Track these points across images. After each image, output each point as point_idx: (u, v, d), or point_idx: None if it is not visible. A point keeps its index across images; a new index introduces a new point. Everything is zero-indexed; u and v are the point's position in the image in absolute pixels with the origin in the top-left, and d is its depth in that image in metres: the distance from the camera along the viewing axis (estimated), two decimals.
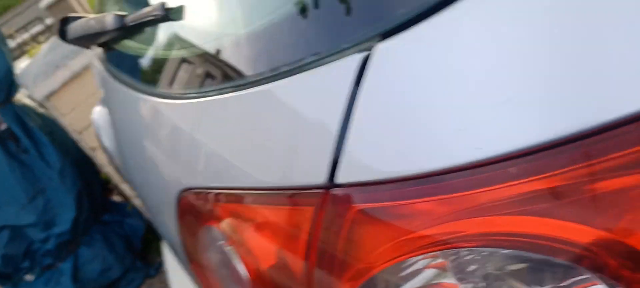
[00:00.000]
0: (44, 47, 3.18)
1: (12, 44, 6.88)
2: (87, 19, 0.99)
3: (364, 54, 0.46)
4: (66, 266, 2.46)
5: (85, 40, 1.04)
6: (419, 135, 0.43)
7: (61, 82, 2.35)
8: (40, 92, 2.38)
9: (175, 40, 0.79)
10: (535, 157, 0.38)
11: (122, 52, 1.02)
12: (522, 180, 0.38)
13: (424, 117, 0.43)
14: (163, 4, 0.73)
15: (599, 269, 0.37)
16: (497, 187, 0.40)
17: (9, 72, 2.31)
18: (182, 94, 0.73)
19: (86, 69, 2.32)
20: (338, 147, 0.48)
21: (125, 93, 0.96)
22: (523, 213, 0.39)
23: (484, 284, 0.42)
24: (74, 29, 1.04)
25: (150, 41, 0.88)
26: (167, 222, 0.86)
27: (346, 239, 0.49)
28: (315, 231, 0.51)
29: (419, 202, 0.44)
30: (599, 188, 0.36)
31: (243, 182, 0.62)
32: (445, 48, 0.42)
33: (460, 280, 0.43)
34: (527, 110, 0.38)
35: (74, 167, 2.51)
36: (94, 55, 1.31)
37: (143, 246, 2.68)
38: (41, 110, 2.56)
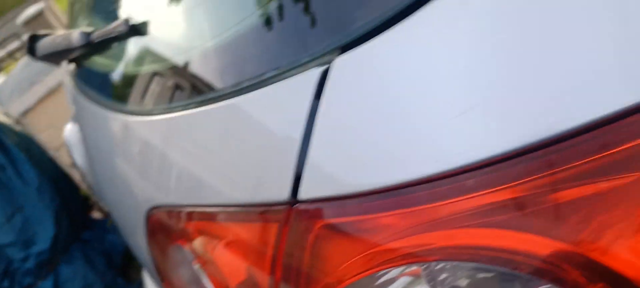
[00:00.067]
0: (20, 64, 3.14)
1: None
2: (55, 36, 0.98)
3: (324, 67, 0.46)
4: (46, 285, 2.42)
5: (53, 57, 1.03)
6: (379, 149, 0.43)
7: (37, 99, 2.32)
8: (16, 108, 2.35)
9: (142, 56, 0.78)
10: (493, 169, 0.38)
11: (91, 68, 1.01)
12: (480, 193, 0.38)
13: (382, 130, 0.43)
14: (127, 20, 0.72)
15: (560, 282, 0.37)
16: (456, 199, 0.39)
17: None
18: (148, 110, 0.72)
19: (62, 85, 2.30)
20: (300, 163, 0.47)
21: (95, 110, 0.95)
22: (483, 226, 0.39)
23: None
24: (42, 46, 1.03)
25: (117, 57, 0.86)
26: (138, 240, 0.85)
27: (312, 254, 0.48)
28: (280, 247, 0.51)
29: (383, 216, 0.44)
30: (557, 199, 0.36)
31: (211, 199, 0.62)
32: (402, 60, 0.42)
33: None
34: (485, 121, 0.38)
35: (52, 184, 2.48)
36: (64, 71, 1.30)
37: (124, 263, 2.65)
38: (17, 127, 2.52)
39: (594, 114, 0.35)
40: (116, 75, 0.88)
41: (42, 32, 1.08)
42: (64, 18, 4.48)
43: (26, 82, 2.38)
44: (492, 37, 0.38)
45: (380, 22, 0.43)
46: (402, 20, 0.42)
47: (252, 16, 0.56)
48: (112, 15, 0.89)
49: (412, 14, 0.41)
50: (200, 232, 0.64)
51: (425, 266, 0.43)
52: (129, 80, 0.81)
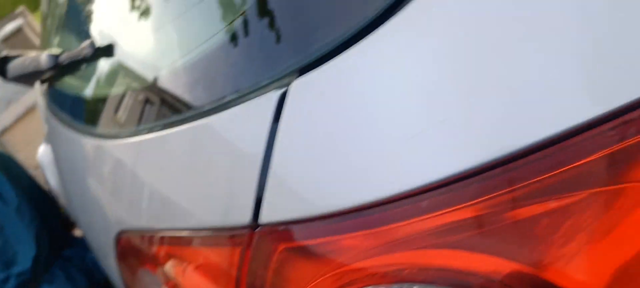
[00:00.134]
0: None
1: None
2: (24, 58, 0.97)
3: (282, 90, 0.46)
4: None
5: (24, 79, 1.02)
6: (338, 171, 0.43)
7: (15, 117, 2.29)
8: None
9: (108, 78, 0.78)
10: (447, 189, 0.38)
11: (61, 90, 1.00)
12: (434, 213, 0.38)
13: (340, 152, 0.43)
14: (92, 43, 0.72)
15: None
16: (411, 221, 0.39)
17: None
18: (115, 133, 0.72)
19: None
20: (260, 186, 0.47)
21: (65, 132, 0.94)
22: (438, 247, 0.39)
23: None
24: (13, 67, 1.02)
25: (85, 79, 0.86)
26: (110, 263, 0.84)
27: (275, 277, 0.48)
28: (242, 271, 0.50)
29: (344, 238, 0.44)
30: (510, 219, 0.36)
31: (180, 223, 0.61)
32: (359, 82, 0.42)
33: None
34: (439, 141, 0.38)
35: (32, 203, 2.44)
36: (37, 91, 1.29)
37: (105, 279, 2.62)
38: None
39: (546, 132, 0.35)
40: (84, 97, 0.87)
41: (12, 53, 1.07)
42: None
43: (3, 101, 2.36)
44: (447, 58, 0.38)
45: (337, 44, 0.43)
46: (358, 42, 0.42)
47: (215, 39, 0.56)
48: (82, 33, 0.88)
49: (368, 36, 0.41)
50: (169, 256, 0.63)
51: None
52: (96, 103, 0.80)
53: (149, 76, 0.67)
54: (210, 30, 0.57)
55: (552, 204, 0.35)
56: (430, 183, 0.38)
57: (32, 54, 0.99)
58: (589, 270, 0.35)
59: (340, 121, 0.43)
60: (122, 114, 0.72)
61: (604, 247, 0.35)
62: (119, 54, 0.72)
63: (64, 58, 0.80)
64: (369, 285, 0.44)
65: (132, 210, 0.69)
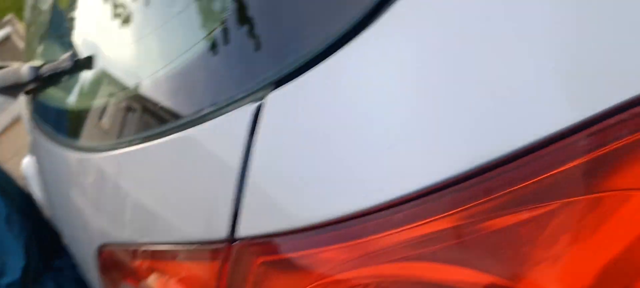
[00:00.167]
0: None
1: None
2: (6, 69, 0.96)
3: (258, 103, 0.46)
4: None
5: (6, 91, 1.01)
6: (314, 184, 0.43)
7: (1, 127, 2.28)
8: None
9: (89, 91, 0.77)
10: (420, 202, 0.38)
11: (44, 102, 0.99)
12: (407, 226, 0.38)
13: (316, 166, 0.42)
14: (73, 55, 0.72)
15: None
16: (385, 233, 0.39)
17: None
18: (96, 147, 0.72)
19: None
20: (237, 200, 0.47)
21: (47, 144, 0.94)
22: (412, 259, 0.39)
23: None
24: None
25: (67, 91, 0.85)
26: (93, 276, 0.83)
27: None
28: (221, 284, 0.50)
29: (321, 251, 0.44)
30: (483, 230, 0.36)
31: (161, 237, 0.61)
32: (333, 94, 0.42)
33: None
34: (413, 153, 0.38)
35: (21, 213, 2.42)
36: (21, 102, 1.28)
37: None
38: None
39: (521, 142, 0.35)
40: (66, 110, 0.87)
41: None
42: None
43: None
44: (420, 70, 0.38)
45: (312, 56, 0.43)
46: (333, 54, 0.42)
47: (193, 51, 0.55)
48: (64, 43, 0.88)
49: (342, 48, 0.41)
50: (151, 270, 0.63)
51: None
52: (78, 116, 0.80)
53: (129, 88, 0.67)
54: (187, 42, 0.56)
55: (525, 214, 0.35)
56: (407, 195, 0.38)
57: (15, 65, 0.99)
58: (564, 282, 0.35)
59: (314, 134, 0.42)
60: (103, 127, 0.72)
61: (579, 256, 0.35)
62: (98, 66, 0.72)
63: (45, 70, 0.80)
64: None
65: (115, 224, 0.69)
